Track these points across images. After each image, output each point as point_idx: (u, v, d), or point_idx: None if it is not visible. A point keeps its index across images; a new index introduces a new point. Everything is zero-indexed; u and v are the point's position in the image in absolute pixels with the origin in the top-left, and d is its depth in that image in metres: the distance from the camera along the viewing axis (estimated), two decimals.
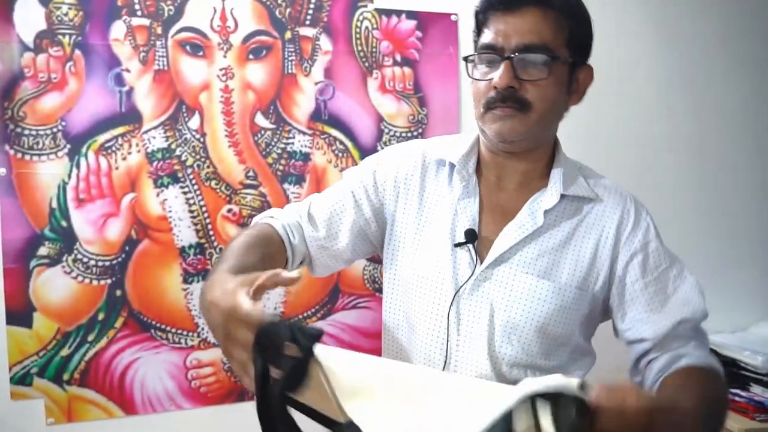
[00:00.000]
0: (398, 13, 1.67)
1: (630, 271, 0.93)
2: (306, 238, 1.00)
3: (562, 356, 0.94)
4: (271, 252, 0.92)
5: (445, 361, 0.92)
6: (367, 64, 1.66)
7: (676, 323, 0.90)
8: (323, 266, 1.05)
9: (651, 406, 0.60)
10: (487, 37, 0.90)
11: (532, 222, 0.93)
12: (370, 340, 1.66)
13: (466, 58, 0.95)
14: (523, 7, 0.88)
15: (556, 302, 0.91)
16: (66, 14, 1.44)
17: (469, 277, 0.92)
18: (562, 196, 0.94)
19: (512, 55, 0.87)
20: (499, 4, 0.89)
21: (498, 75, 0.87)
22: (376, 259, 1.67)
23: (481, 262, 0.92)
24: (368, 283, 1.68)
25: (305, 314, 1.64)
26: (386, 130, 1.68)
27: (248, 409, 1.56)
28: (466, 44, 1.73)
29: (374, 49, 1.66)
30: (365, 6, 1.65)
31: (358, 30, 1.65)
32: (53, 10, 1.43)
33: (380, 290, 1.68)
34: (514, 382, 0.60)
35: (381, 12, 1.66)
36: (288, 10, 1.58)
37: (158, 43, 1.50)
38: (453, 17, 1.72)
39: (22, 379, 1.44)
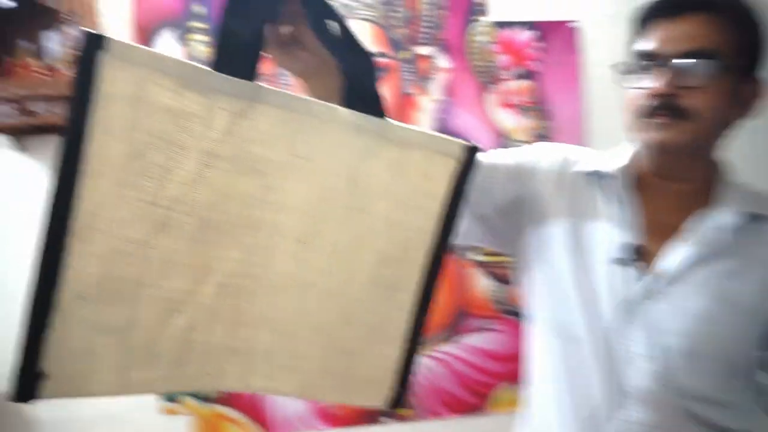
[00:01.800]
0: (515, 24, 1.64)
1: None
2: None
3: (743, 390, 0.85)
4: None
5: (612, 382, 0.85)
6: (485, 79, 1.63)
7: None
8: None
9: None
10: (645, 44, 0.85)
11: (704, 240, 0.85)
12: (501, 363, 1.60)
13: (619, 66, 0.90)
14: (686, 12, 0.82)
15: (738, 329, 0.82)
16: (202, 51, 1.55)
17: (637, 296, 0.85)
18: (739, 214, 0.85)
19: (670, 62, 0.82)
20: (662, 11, 0.84)
21: (654, 81, 0.82)
22: (502, 279, 1.61)
23: (649, 281, 0.86)
24: (495, 304, 1.62)
25: (431, 338, 1.61)
26: (507, 146, 1.63)
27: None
28: (589, 52, 1.66)
29: (492, 63, 1.63)
30: (480, 20, 1.63)
31: (474, 45, 1.63)
32: (189, 45, 1.54)
33: (507, 312, 1.61)
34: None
35: (497, 24, 1.63)
36: (404, 30, 1.60)
37: None
38: (573, 25, 1.65)
39: (171, 396, 1.53)
